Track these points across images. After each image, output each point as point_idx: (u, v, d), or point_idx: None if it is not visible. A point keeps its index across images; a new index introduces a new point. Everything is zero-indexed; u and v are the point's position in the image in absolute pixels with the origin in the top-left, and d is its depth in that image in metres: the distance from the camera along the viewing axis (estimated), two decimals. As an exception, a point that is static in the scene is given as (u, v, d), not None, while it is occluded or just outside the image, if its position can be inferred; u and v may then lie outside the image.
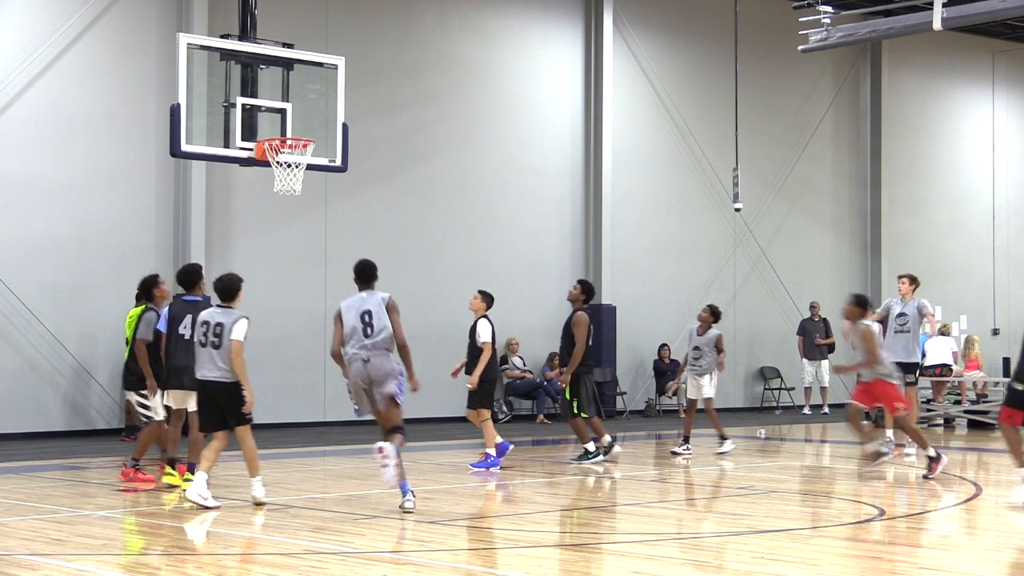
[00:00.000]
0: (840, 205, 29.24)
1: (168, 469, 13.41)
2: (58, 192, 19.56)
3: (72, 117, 19.73)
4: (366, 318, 11.69)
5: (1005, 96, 31.98)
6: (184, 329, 12.86)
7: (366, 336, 11.61)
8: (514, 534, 10.64)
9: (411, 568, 8.90)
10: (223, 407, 11.75)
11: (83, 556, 9.32)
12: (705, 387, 17.12)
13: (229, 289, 11.87)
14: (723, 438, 17.12)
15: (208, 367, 11.69)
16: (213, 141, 15.46)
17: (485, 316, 15.24)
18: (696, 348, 17.12)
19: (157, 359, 13.35)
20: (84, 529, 10.51)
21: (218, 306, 11.89)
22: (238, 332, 11.58)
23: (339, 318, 11.84)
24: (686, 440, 17.14)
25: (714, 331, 17.15)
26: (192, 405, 12.94)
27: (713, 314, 17.21)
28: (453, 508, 12.52)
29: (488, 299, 15.35)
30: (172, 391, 13.15)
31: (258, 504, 11.62)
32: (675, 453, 17.07)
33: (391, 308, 11.82)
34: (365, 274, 12.21)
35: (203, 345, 11.69)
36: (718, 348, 17.10)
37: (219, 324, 11.68)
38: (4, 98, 19.15)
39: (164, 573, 8.83)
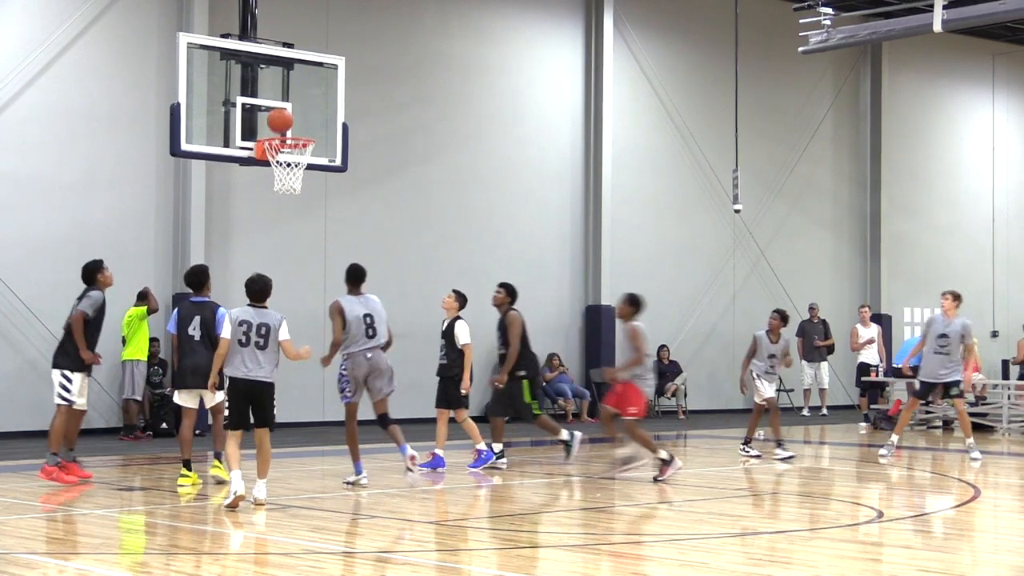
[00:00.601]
0: (840, 207, 29.25)
1: (183, 471, 13.48)
2: (58, 192, 19.56)
3: (72, 116, 19.73)
4: (368, 320, 13.10)
5: (1005, 98, 31.99)
6: (193, 330, 13.17)
7: (369, 337, 13.08)
8: (514, 534, 10.65)
9: (411, 568, 8.91)
10: (258, 406, 11.78)
11: (82, 555, 9.32)
12: (770, 389, 16.97)
13: (264, 290, 11.92)
14: (779, 443, 16.86)
15: (254, 367, 11.67)
16: (213, 141, 15.44)
17: (459, 316, 15.26)
18: (772, 356, 16.82)
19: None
20: (83, 528, 10.52)
21: (250, 305, 11.86)
22: (286, 332, 11.75)
23: (341, 313, 13.05)
24: (749, 442, 17.00)
25: (784, 339, 16.95)
26: (209, 402, 13.20)
27: (783, 319, 17.00)
28: (452, 508, 12.53)
29: (462, 299, 15.40)
30: (184, 391, 13.40)
31: (258, 504, 11.61)
32: (752, 456, 16.81)
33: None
34: (358, 277, 13.47)
35: (244, 345, 11.64)
36: (786, 350, 17.07)
37: (264, 325, 11.70)
38: (4, 97, 19.15)
39: (164, 573, 8.83)
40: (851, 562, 9.33)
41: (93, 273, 13.75)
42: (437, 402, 15.33)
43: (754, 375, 16.91)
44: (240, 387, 11.73)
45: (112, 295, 19.34)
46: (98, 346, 19.29)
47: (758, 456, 16.72)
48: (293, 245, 21.41)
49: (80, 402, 13.43)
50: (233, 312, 11.83)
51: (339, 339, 13.05)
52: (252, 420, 11.78)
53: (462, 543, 10.24)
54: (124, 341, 19.13)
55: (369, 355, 13.03)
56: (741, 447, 17.04)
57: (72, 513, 11.51)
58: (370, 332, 13.05)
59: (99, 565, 8.96)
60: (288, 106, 15.50)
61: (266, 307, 11.86)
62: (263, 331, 11.70)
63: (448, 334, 15.17)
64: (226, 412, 11.78)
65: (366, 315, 13.07)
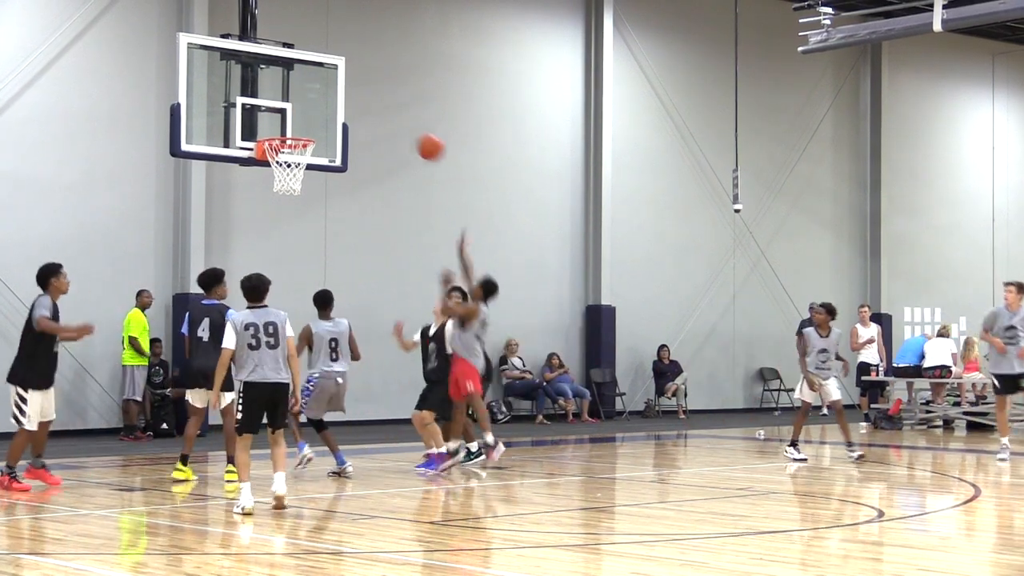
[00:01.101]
0: (840, 206, 29.25)
1: (178, 465, 13.68)
2: (58, 192, 19.56)
3: (72, 117, 19.73)
4: (333, 344, 14.16)
5: (1005, 98, 31.99)
6: (202, 331, 13.45)
7: (332, 360, 14.13)
8: (514, 534, 10.64)
9: (411, 568, 8.91)
10: (275, 409, 11.50)
11: (83, 556, 9.32)
12: (833, 390, 16.40)
13: (260, 288, 11.63)
14: (850, 444, 16.41)
15: (271, 368, 11.37)
16: (213, 141, 15.45)
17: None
18: (823, 351, 16.21)
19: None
20: (83, 529, 10.51)
21: (250, 307, 11.57)
22: (290, 328, 11.55)
23: (310, 337, 14.12)
24: (795, 444, 16.40)
25: (835, 331, 16.42)
26: (220, 404, 13.26)
27: (829, 312, 16.38)
28: (452, 508, 12.53)
29: (465, 298, 15.30)
30: (194, 391, 13.61)
31: (278, 499, 11.31)
32: (798, 459, 16.22)
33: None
34: (328, 302, 14.49)
35: (255, 348, 11.31)
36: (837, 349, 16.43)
37: (271, 323, 11.41)
38: (4, 98, 19.15)
39: (164, 573, 8.83)
40: (852, 561, 9.33)
41: (47, 277, 12.86)
42: (421, 406, 14.99)
43: (808, 372, 16.36)
44: (258, 391, 11.38)
45: (112, 295, 19.48)
46: (100, 347, 19.47)
47: (804, 459, 16.15)
48: (293, 245, 21.41)
49: (32, 426, 12.54)
50: (236, 317, 11.52)
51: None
52: (266, 422, 11.55)
53: (462, 543, 10.24)
54: (124, 342, 19.13)
55: (339, 380, 14.18)
56: (786, 448, 16.49)
57: (72, 514, 11.50)
58: (333, 356, 14.14)
59: (99, 565, 8.96)
60: (288, 106, 15.49)
61: (266, 305, 11.62)
62: (271, 330, 11.42)
63: (440, 338, 14.93)
64: (238, 416, 11.47)
65: (332, 339, 14.14)
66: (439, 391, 14.72)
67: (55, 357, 12.79)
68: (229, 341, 11.34)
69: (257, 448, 11.64)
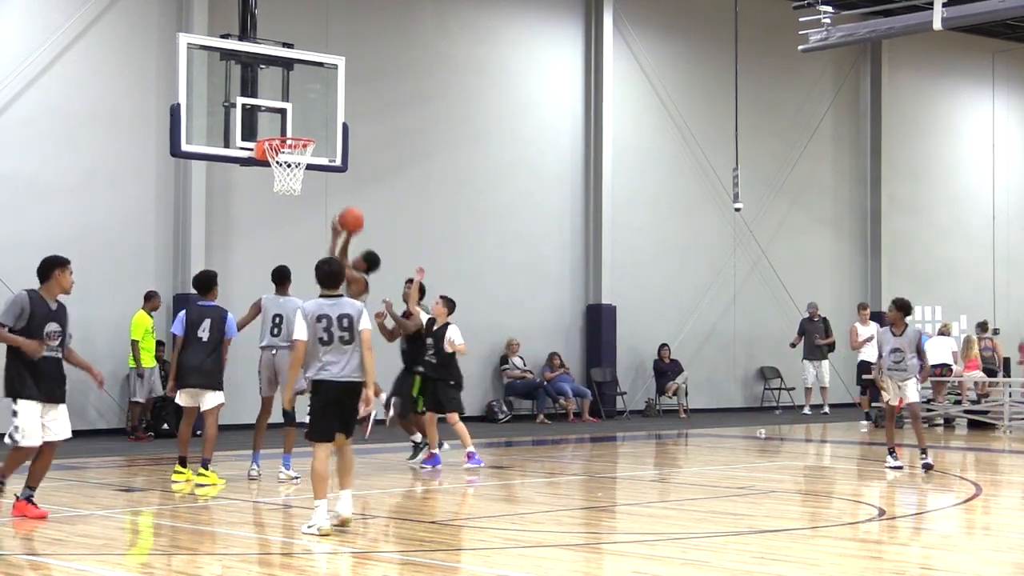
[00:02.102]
0: (840, 204, 29.25)
1: (201, 469, 13.54)
2: (58, 192, 19.56)
3: (72, 117, 19.72)
4: (277, 319, 14.00)
5: (1005, 96, 31.98)
6: (203, 332, 13.49)
7: (273, 335, 13.91)
8: (514, 534, 10.64)
9: (411, 568, 8.91)
10: (347, 412, 10.36)
11: (83, 556, 9.32)
12: (910, 391, 15.31)
13: (337, 275, 10.52)
14: (924, 451, 15.19)
15: (345, 367, 10.24)
16: (213, 141, 15.44)
17: (449, 322, 15.22)
18: (896, 350, 15.22)
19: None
20: (84, 529, 10.51)
21: (322, 296, 10.42)
22: (367, 321, 10.39)
23: (256, 309, 14.13)
24: (893, 452, 15.43)
25: (912, 328, 15.49)
26: (207, 404, 13.27)
27: (901, 308, 15.35)
28: (453, 508, 12.52)
29: (451, 305, 15.39)
30: (184, 390, 13.62)
31: (344, 522, 10.28)
32: (894, 467, 15.20)
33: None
34: (284, 278, 14.41)
35: (327, 343, 10.18)
36: (918, 348, 15.36)
37: (345, 316, 10.26)
38: (4, 98, 19.15)
39: (164, 573, 8.83)
40: (852, 560, 9.33)
41: (51, 269, 11.40)
42: (425, 404, 15.23)
43: (882, 374, 15.57)
44: (332, 392, 10.22)
45: (112, 295, 19.47)
46: (101, 346, 19.47)
47: (900, 467, 15.20)
48: (293, 245, 21.36)
49: (26, 442, 10.70)
50: (307, 307, 10.33)
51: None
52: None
53: (462, 543, 10.23)
54: (135, 345, 19.11)
55: (274, 352, 13.87)
56: (888, 455, 15.42)
57: (74, 514, 11.50)
58: (275, 331, 13.92)
59: (100, 566, 8.96)
60: (288, 106, 15.49)
61: (341, 295, 10.52)
62: (345, 323, 10.25)
63: (438, 337, 15.09)
64: (305, 419, 10.36)
65: (275, 315, 13.96)
66: (446, 389, 15.02)
67: (52, 364, 10.92)
68: (300, 332, 10.25)
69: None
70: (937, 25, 20.56)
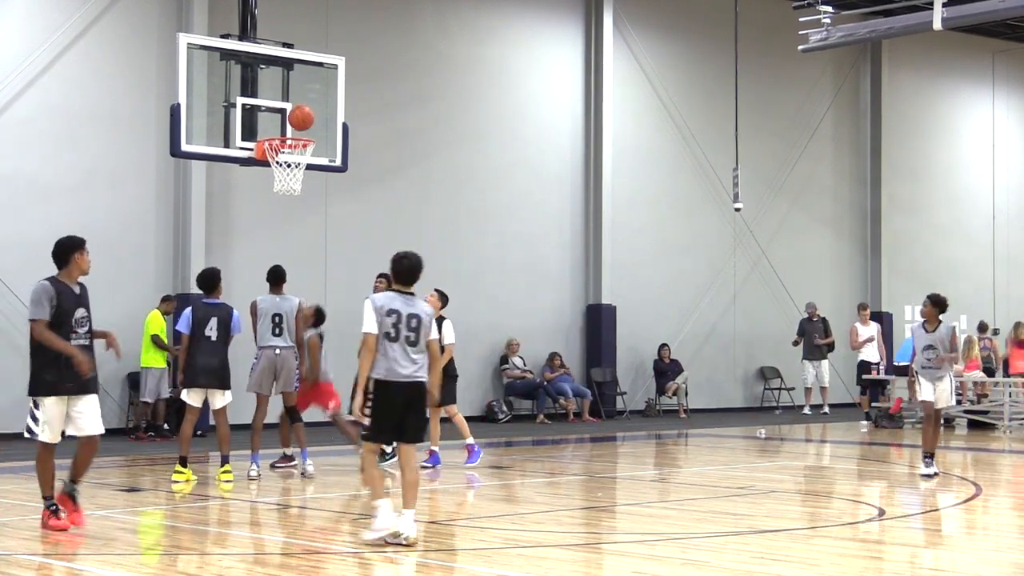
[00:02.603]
0: (840, 204, 29.25)
1: (178, 467, 13.65)
2: (58, 192, 19.56)
3: (72, 117, 19.73)
4: (276, 319, 14.37)
5: (1005, 96, 31.98)
6: (210, 331, 13.54)
7: (275, 335, 14.25)
8: (514, 534, 10.64)
9: (411, 568, 8.91)
10: (415, 415, 9.81)
11: (83, 556, 9.32)
12: (946, 392, 14.60)
13: (416, 270, 10.03)
14: (931, 455, 14.41)
15: (410, 365, 9.70)
16: (213, 141, 15.45)
17: (443, 316, 15.22)
18: (929, 347, 14.60)
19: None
20: (84, 529, 10.50)
21: (396, 291, 9.92)
22: (435, 329, 9.91)
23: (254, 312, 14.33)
24: (930, 456, 14.38)
25: (946, 325, 14.80)
26: (218, 403, 13.33)
27: (936, 304, 14.82)
28: (453, 508, 12.52)
29: (444, 298, 15.41)
30: (193, 389, 13.66)
31: (410, 544, 9.46)
32: (927, 476, 14.22)
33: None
34: (279, 278, 14.63)
35: (393, 340, 9.62)
36: (952, 345, 14.71)
37: (415, 316, 9.75)
38: (4, 98, 19.15)
39: (164, 573, 8.83)
40: (852, 560, 9.33)
41: (70, 252, 10.61)
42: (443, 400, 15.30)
43: (915, 372, 14.87)
44: (396, 392, 9.65)
45: (113, 295, 19.45)
46: (102, 347, 19.38)
47: (934, 475, 14.29)
48: (293, 245, 21.39)
49: (45, 437, 10.30)
50: (377, 299, 9.81)
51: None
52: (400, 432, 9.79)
53: (462, 543, 10.23)
54: (145, 344, 19.11)
55: (277, 352, 14.18)
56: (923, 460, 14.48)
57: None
58: (276, 331, 14.21)
59: (100, 566, 8.96)
60: (288, 106, 15.49)
61: (413, 293, 10.00)
62: (414, 324, 9.74)
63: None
64: (365, 421, 9.69)
65: (275, 315, 14.23)
66: (445, 382, 15.08)
67: (82, 353, 10.33)
68: (371, 325, 9.65)
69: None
70: (937, 25, 20.55)
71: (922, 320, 15.07)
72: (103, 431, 10.41)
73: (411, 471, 9.72)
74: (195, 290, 17.13)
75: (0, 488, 13.28)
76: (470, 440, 15.26)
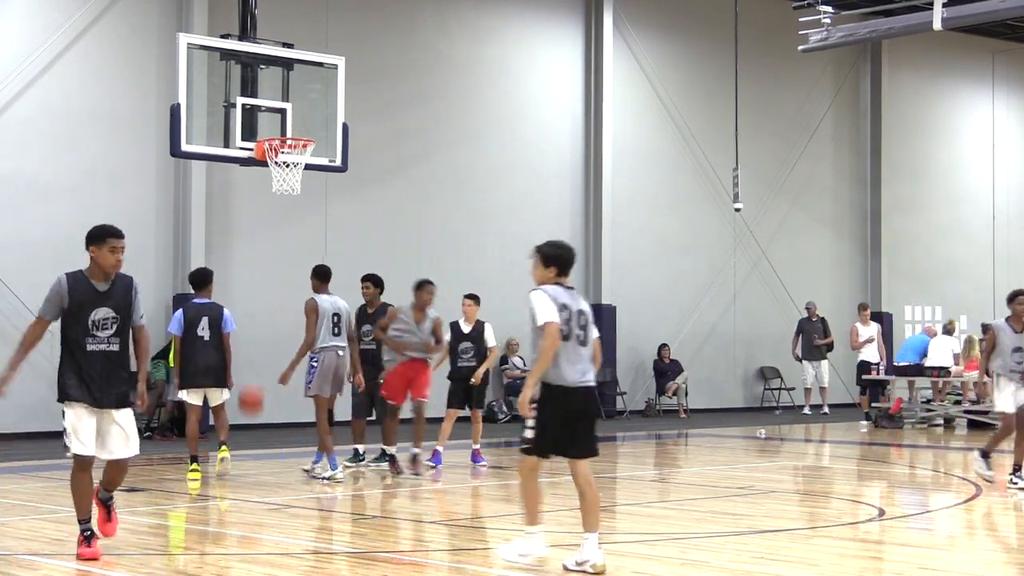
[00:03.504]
0: (840, 204, 29.25)
1: (192, 466, 13.68)
2: (58, 192, 19.57)
3: (72, 117, 19.73)
4: (335, 319, 13.88)
5: (1005, 96, 31.98)
6: (202, 331, 13.62)
7: (335, 335, 13.80)
8: (514, 534, 10.64)
9: (411, 568, 8.91)
10: (588, 425, 8.64)
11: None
12: (1017, 396, 13.35)
13: (571, 261, 8.73)
14: (1019, 467, 13.38)
15: (584, 368, 8.54)
16: (213, 141, 15.46)
17: (482, 320, 15.37)
18: (1019, 350, 13.28)
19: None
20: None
21: (557, 283, 8.58)
22: (491, 337, 9.07)
23: (315, 311, 13.76)
24: (1020, 468, 13.31)
25: None
26: (216, 400, 13.42)
27: None
28: (453, 508, 12.52)
29: (477, 301, 15.55)
30: (192, 389, 13.72)
31: (597, 572, 8.35)
32: (1015, 484, 13.23)
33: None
34: (327, 276, 14.48)
35: (566, 338, 8.39)
36: None
37: (583, 313, 8.51)
38: (4, 98, 19.15)
39: (164, 573, 8.83)
40: (852, 560, 9.33)
41: (87, 245, 9.88)
42: (454, 402, 15.25)
43: (997, 375, 13.51)
44: (569, 399, 8.47)
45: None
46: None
47: (991, 479, 13.54)
48: (293, 245, 21.40)
49: (77, 449, 9.00)
50: (548, 290, 8.46)
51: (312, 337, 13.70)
52: (569, 446, 8.57)
53: (463, 543, 10.24)
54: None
55: (340, 352, 13.86)
56: (1010, 477, 13.43)
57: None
58: (336, 330, 13.88)
59: (100, 566, 8.95)
60: (288, 106, 15.47)
61: (572, 287, 8.71)
62: (583, 321, 8.52)
63: (476, 337, 15.29)
64: (528, 434, 8.52)
65: (334, 314, 13.90)
66: (475, 388, 15.29)
67: (100, 360, 9.11)
68: (550, 314, 8.35)
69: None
70: (937, 25, 20.56)
71: (1005, 317, 13.57)
72: (135, 452, 9.22)
73: (592, 490, 8.51)
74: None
75: (0, 488, 13.27)
76: (440, 446, 15.10)
